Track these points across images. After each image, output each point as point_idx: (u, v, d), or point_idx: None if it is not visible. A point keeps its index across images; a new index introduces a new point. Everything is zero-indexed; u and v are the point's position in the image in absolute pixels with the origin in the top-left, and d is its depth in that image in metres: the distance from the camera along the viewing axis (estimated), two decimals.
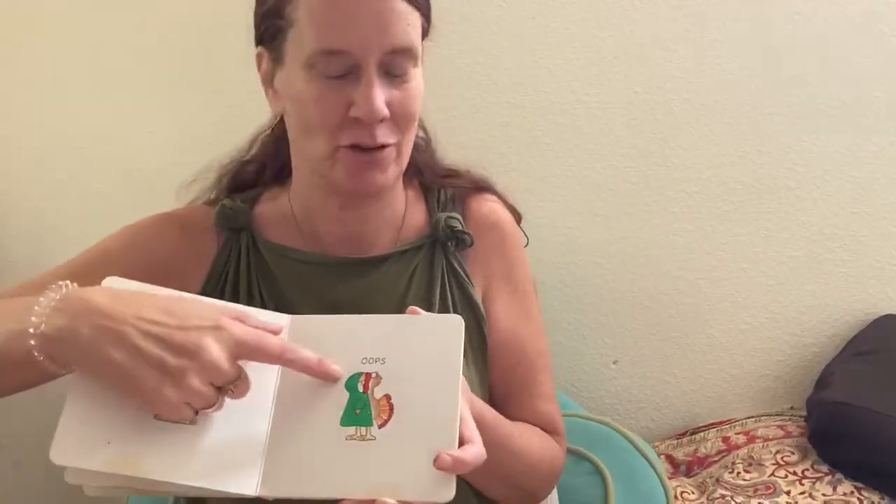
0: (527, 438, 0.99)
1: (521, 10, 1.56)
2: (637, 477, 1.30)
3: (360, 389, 0.77)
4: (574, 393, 1.69)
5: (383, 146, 0.90)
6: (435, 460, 0.72)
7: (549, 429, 1.04)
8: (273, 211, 1.03)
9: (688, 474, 1.55)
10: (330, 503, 0.75)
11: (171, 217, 1.02)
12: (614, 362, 1.70)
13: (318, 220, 1.00)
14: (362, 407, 0.76)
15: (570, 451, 1.27)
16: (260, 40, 0.94)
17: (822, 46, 1.59)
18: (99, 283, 0.79)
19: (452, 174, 1.08)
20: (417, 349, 0.79)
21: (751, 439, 1.56)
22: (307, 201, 1.00)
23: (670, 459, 1.59)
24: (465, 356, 0.80)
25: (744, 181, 1.63)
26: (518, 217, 1.10)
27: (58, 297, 0.74)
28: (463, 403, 0.77)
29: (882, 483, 1.39)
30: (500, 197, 1.09)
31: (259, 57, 0.95)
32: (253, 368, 0.76)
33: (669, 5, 1.57)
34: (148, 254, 0.98)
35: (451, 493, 0.72)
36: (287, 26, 0.89)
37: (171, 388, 0.71)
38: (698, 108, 1.60)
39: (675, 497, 1.43)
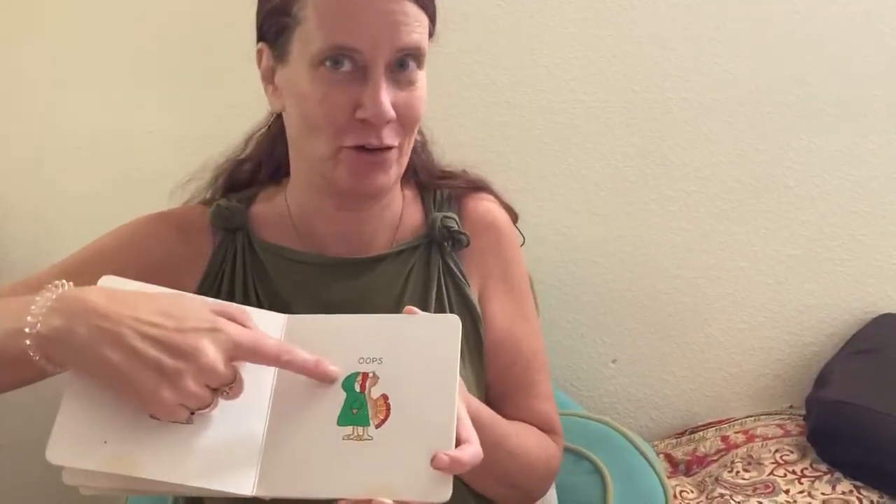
0: (524, 438, 0.99)
1: (519, 9, 1.56)
2: (636, 476, 1.29)
3: (357, 389, 0.77)
4: (573, 392, 1.69)
5: (388, 147, 0.89)
6: (432, 460, 0.72)
7: (546, 428, 1.04)
8: (269, 211, 1.03)
9: (687, 473, 1.55)
10: (327, 503, 0.74)
11: (166, 217, 1.02)
12: (613, 361, 1.70)
13: (315, 220, 0.99)
14: (359, 407, 0.76)
15: (568, 451, 1.27)
16: (262, 36, 0.94)
17: (822, 46, 1.59)
18: (94, 282, 0.79)
19: (449, 175, 1.08)
20: (414, 349, 0.79)
21: (750, 438, 1.55)
22: (304, 201, 1.00)
23: (669, 458, 1.59)
24: (461, 356, 0.79)
25: (742, 180, 1.63)
26: (514, 217, 1.10)
27: (54, 297, 0.74)
28: (460, 403, 0.77)
29: (881, 482, 1.39)
30: (496, 197, 1.09)
31: (259, 53, 0.95)
32: (249, 368, 0.76)
33: (668, 4, 1.57)
34: (143, 253, 0.98)
35: (447, 492, 0.72)
36: (294, 24, 0.88)
37: (168, 390, 0.71)
38: (697, 107, 1.60)
39: (675, 496, 1.43)
